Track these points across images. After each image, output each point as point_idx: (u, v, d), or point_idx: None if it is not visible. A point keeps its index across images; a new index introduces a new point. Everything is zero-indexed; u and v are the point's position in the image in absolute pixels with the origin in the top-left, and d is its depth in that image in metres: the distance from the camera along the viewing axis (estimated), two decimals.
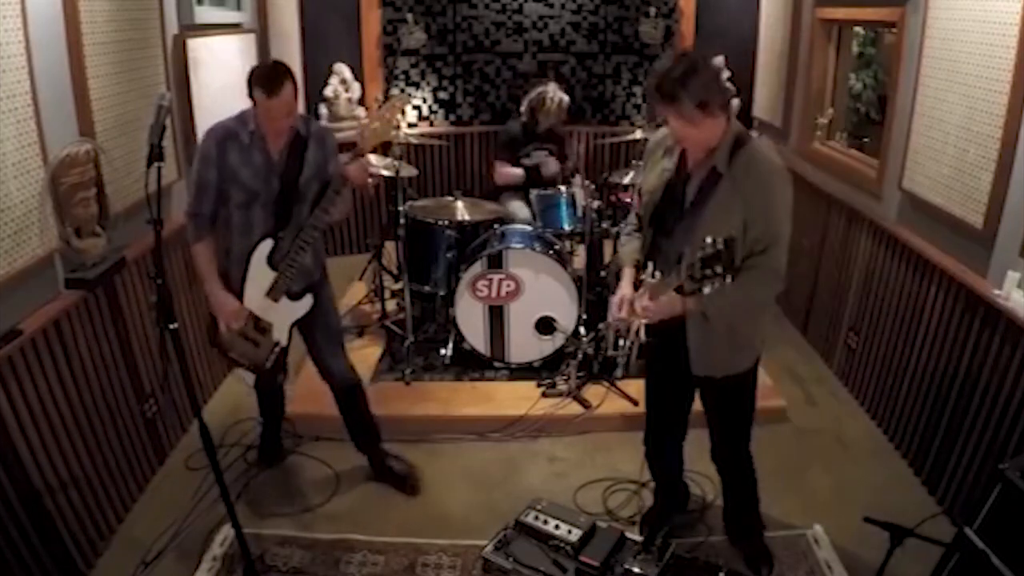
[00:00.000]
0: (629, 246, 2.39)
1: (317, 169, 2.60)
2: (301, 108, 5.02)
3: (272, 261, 2.58)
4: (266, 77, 2.40)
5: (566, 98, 4.34)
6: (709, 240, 1.86)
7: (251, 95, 2.43)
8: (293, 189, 2.56)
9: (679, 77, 1.95)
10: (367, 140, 2.60)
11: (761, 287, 2.13)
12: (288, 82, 2.42)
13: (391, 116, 2.64)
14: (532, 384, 3.62)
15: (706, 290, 1.91)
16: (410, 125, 5.56)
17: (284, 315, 2.67)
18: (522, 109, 4.40)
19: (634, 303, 2.21)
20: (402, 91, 5.54)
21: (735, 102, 5.28)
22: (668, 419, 2.55)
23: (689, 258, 1.94)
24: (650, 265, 2.19)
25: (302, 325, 2.76)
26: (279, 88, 2.39)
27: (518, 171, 4.38)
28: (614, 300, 2.29)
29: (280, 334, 2.70)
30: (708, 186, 2.10)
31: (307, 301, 2.68)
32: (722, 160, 2.07)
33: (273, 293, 2.61)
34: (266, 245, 2.57)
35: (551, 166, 4.38)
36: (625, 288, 2.29)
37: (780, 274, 2.13)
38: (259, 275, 2.59)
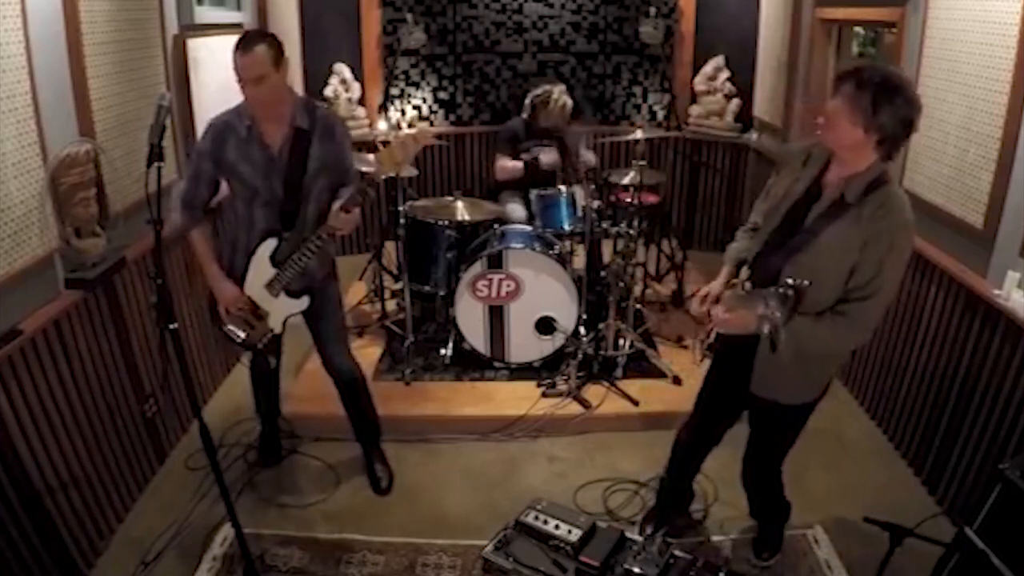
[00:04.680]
0: (738, 244, 2.33)
1: (323, 164, 2.54)
2: None
3: (275, 260, 2.58)
4: (244, 36, 2.39)
5: (570, 103, 4.33)
6: (789, 281, 1.83)
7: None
8: (297, 189, 2.53)
9: (886, 83, 1.85)
10: (385, 164, 2.51)
11: (844, 336, 2.01)
12: (261, 45, 2.35)
13: (413, 147, 2.52)
14: (532, 384, 3.61)
15: (764, 328, 1.87)
16: (410, 125, 5.57)
17: (280, 308, 2.68)
18: (525, 103, 4.39)
19: (711, 307, 2.15)
20: (402, 92, 5.54)
21: (732, 104, 5.29)
22: (710, 423, 2.52)
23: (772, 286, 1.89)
24: (744, 271, 2.15)
25: (308, 318, 2.77)
26: (249, 47, 2.33)
27: (517, 164, 4.36)
28: (700, 292, 2.24)
29: (275, 323, 2.70)
30: (832, 214, 1.98)
31: (303, 302, 2.68)
32: (854, 192, 1.96)
33: (271, 288, 2.61)
34: (269, 244, 2.56)
35: (550, 155, 4.36)
36: (713, 284, 2.24)
37: (869, 328, 2.02)
38: (261, 269, 2.59)
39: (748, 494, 2.55)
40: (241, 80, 2.38)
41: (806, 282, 1.89)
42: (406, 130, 2.56)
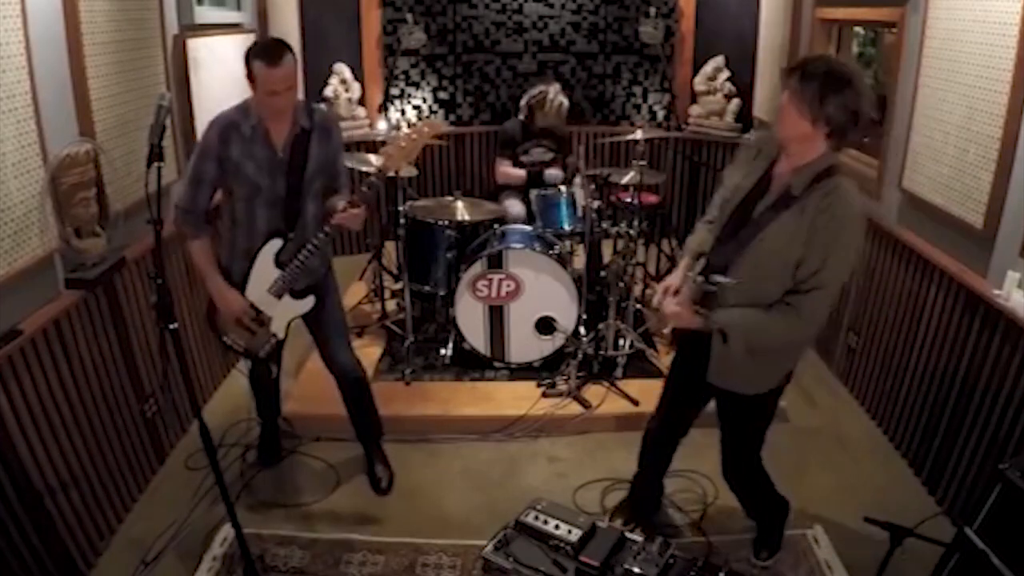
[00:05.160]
0: (697, 236, 2.35)
1: (321, 164, 2.56)
2: None
3: (279, 260, 2.57)
4: (266, 48, 2.37)
5: (566, 102, 4.34)
6: (717, 278, 1.88)
7: (250, 72, 2.37)
8: (298, 188, 2.53)
9: (832, 75, 1.87)
10: (393, 160, 2.53)
11: (791, 328, 2.03)
12: (289, 55, 2.37)
13: (420, 139, 2.53)
14: (532, 384, 3.61)
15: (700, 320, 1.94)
16: (410, 125, 5.56)
17: (284, 311, 2.67)
18: (521, 105, 4.41)
19: (667, 299, 2.18)
20: (402, 92, 5.54)
21: (732, 104, 5.29)
22: (676, 412, 2.54)
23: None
24: (699, 263, 2.17)
25: (308, 318, 2.75)
26: (279, 58, 2.34)
27: (520, 172, 4.38)
28: (661, 285, 2.26)
29: (278, 328, 2.69)
30: (778, 207, 2.01)
31: (308, 301, 2.68)
32: (799, 184, 1.98)
33: (275, 290, 2.60)
34: (275, 244, 2.55)
35: (555, 175, 4.38)
36: (672, 277, 2.26)
37: (815, 321, 2.03)
38: (264, 271, 2.58)
39: (735, 492, 2.55)
40: (272, 92, 2.36)
41: (729, 281, 1.97)
42: (416, 123, 2.55)
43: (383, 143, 4.23)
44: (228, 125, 2.48)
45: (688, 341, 2.30)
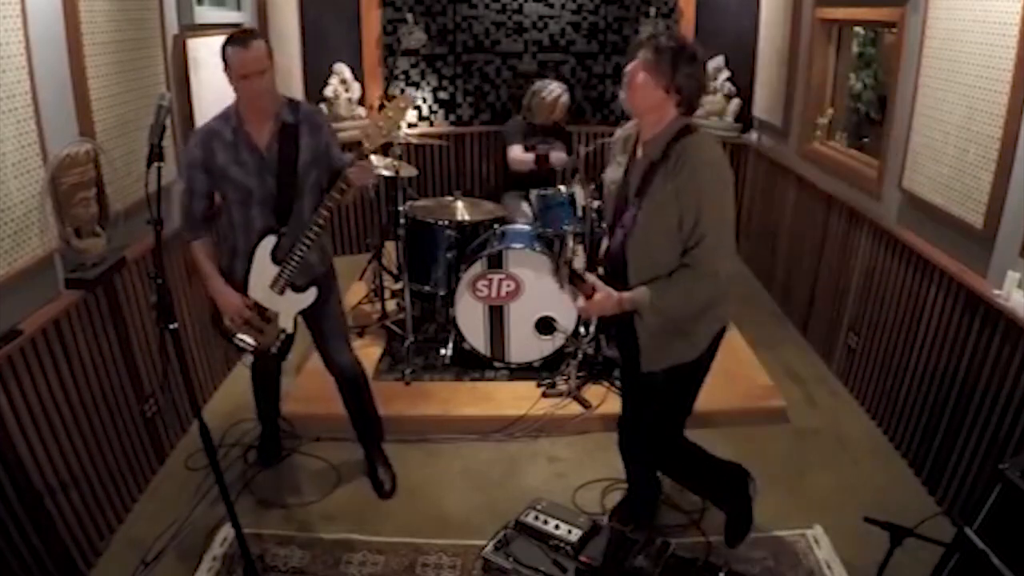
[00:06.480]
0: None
1: (314, 154, 2.58)
2: None
3: (275, 257, 2.58)
4: (237, 34, 2.44)
5: (565, 96, 4.32)
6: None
7: (225, 63, 2.41)
8: (291, 183, 2.55)
9: (682, 48, 2.03)
10: (371, 140, 2.57)
11: (692, 286, 2.10)
12: (260, 40, 2.44)
13: (395, 116, 2.61)
14: (532, 384, 3.62)
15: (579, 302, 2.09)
16: (410, 125, 5.57)
17: (289, 305, 2.68)
18: (523, 104, 4.43)
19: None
20: (402, 91, 5.54)
21: (732, 104, 5.29)
22: (629, 406, 2.56)
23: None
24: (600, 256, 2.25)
25: (308, 316, 2.76)
26: (250, 42, 2.40)
27: (529, 156, 4.35)
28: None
29: (286, 322, 2.70)
30: (646, 180, 2.11)
31: (311, 293, 2.69)
32: (656, 150, 2.09)
33: (276, 287, 2.61)
34: (269, 241, 2.57)
35: (560, 157, 4.37)
36: (591, 276, 2.31)
37: (714, 271, 2.09)
38: (263, 269, 2.60)
39: (668, 473, 2.54)
40: (245, 75, 2.40)
41: (580, 266, 2.10)
42: (388, 104, 2.64)
43: (388, 143, 4.23)
44: (209, 134, 2.52)
45: (618, 331, 2.35)
